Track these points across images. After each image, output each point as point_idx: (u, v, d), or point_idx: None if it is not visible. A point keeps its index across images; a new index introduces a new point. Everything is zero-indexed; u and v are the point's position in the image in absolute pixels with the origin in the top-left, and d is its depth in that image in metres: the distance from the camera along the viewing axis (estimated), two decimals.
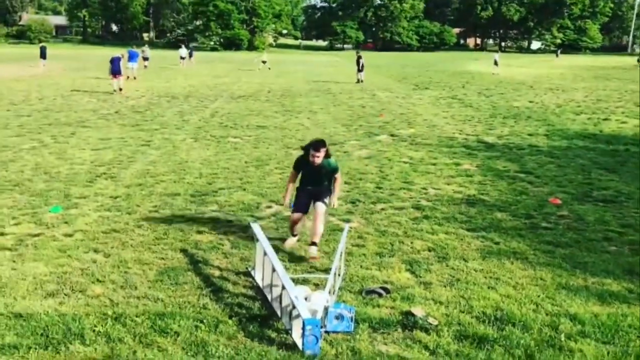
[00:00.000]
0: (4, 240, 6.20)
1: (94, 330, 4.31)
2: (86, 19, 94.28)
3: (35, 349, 4.04)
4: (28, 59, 35.17)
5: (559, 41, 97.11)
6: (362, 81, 28.67)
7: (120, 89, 21.64)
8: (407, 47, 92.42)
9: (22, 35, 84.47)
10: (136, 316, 4.53)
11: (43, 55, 34.16)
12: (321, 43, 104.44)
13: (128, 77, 25.96)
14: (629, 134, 14.22)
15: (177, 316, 4.53)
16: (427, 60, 57.23)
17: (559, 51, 72.99)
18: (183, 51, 41.07)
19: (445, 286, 5.23)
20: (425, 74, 36.85)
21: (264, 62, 39.41)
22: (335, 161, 6.36)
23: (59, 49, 65.92)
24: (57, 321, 4.41)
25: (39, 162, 10.04)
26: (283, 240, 6.34)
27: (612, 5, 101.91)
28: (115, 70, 21.74)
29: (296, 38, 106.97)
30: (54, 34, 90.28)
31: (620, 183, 9.14)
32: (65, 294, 4.92)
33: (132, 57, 27.96)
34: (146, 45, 41.71)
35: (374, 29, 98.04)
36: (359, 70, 29.02)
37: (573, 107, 19.42)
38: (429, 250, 6.12)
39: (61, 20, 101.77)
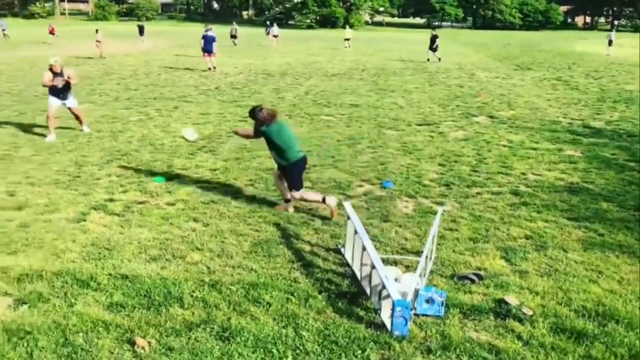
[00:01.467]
0: (113, 206, 6.65)
1: (192, 295, 4.54)
2: None
3: (139, 309, 4.32)
4: (136, 36, 37.12)
5: None
6: (439, 59, 27.72)
7: (215, 67, 21.98)
8: (509, 26, 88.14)
9: (130, 13, 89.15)
10: (231, 284, 4.72)
11: (141, 32, 36.43)
12: (418, 20, 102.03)
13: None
14: None
15: (270, 287, 4.67)
16: (530, 40, 54.39)
17: None
18: (275, 29, 40.84)
19: (542, 276, 5.01)
20: (528, 53, 35.08)
21: (347, 39, 37.53)
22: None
23: (163, 25, 69.06)
24: (158, 284, 4.69)
25: (145, 134, 10.63)
26: (374, 219, 6.33)
27: None
28: (207, 49, 22.01)
29: (393, 15, 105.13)
30: (159, 11, 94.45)
31: None
32: (166, 259, 5.21)
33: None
34: (234, 23, 41.69)
35: (474, 6, 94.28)
36: (433, 50, 28.02)
37: None
38: (526, 238, 5.88)
39: None
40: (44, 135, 10.16)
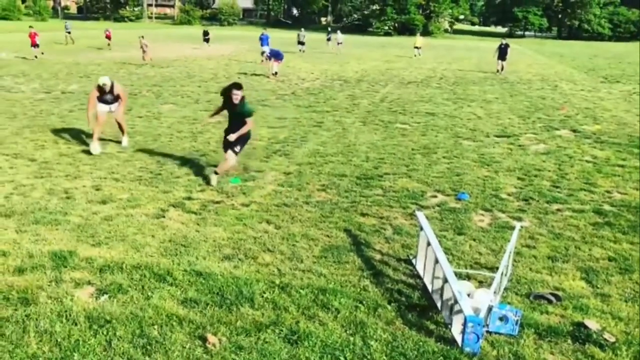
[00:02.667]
0: (191, 204, 6.88)
1: (262, 296, 4.61)
2: (270, 2, 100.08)
3: (212, 306, 4.43)
4: (217, 40, 38.39)
5: None
6: (500, 71, 25.55)
7: (276, 73, 21.64)
8: (597, 36, 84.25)
9: (214, 18, 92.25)
10: (301, 288, 4.75)
11: (206, 39, 38.10)
12: (500, 29, 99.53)
13: (262, 61, 25.81)
14: None
15: (339, 294, 4.67)
16: (620, 51, 51.69)
17: None
18: (340, 36, 39.76)
19: (626, 301, 4.73)
20: (617, 65, 33.35)
21: (417, 47, 35.79)
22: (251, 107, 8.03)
23: (244, 30, 70.88)
24: (231, 283, 4.79)
25: (223, 136, 10.90)
26: (447, 232, 6.20)
27: None
28: (272, 54, 21.95)
29: (473, 24, 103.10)
30: (241, 16, 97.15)
31: None
32: (239, 259, 5.32)
33: (263, 42, 27.53)
34: (302, 30, 40.75)
35: (560, 15, 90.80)
36: (502, 59, 25.79)
37: None
38: (610, 260, 5.57)
39: (248, 3, 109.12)
40: (130, 134, 10.38)
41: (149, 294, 4.59)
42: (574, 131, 12.41)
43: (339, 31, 42.89)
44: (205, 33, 39.01)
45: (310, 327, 4.18)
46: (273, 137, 10.92)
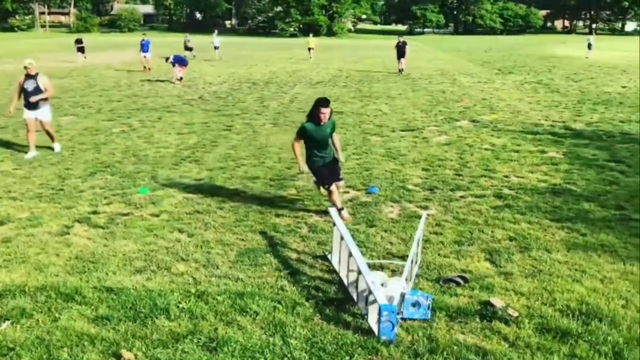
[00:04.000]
0: (97, 218, 6.61)
1: (178, 307, 4.51)
2: (171, 7, 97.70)
3: (125, 321, 4.29)
4: (119, 47, 37.00)
5: None
6: (402, 70, 24.90)
7: (181, 78, 21.03)
8: (490, 31, 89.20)
9: (113, 24, 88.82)
10: (217, 295, 4.70)
11: (79, 47, 30.49)
12: (401, 27, 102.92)
13: (145, 67, 25.64)
14: None
15: (256, 296, 4.66)
16: (511, 44, 55.03)
17: None
18: (217, 39, 35.30)
19: (526, 277, 5.06)
20: (509, 58, 35.49)
21: (310, 49, 33.60)
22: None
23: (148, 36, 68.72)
24: (144, 296, 4.66)
25: (129, 145, 10.57)
26: (360, 225, 6.35)
27: None
28: (175, 60, 21.21)
29: (375, 23, 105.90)
30: (142, 22, 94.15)
31: None
32: (151, 271, 5.18)
33: (144, 47, 26.59)
34: (188, 35, 37.04)
35: (455, 12, 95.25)
36: (400, 57, 25.15)
37: None
38: (510, 240, 5.94)
39: (149, 9, 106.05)
40: (25, 149, 9.97)
41: (57, 315, 4.37)
42: (473, 121, 13.09)
43: (215, 31, 39.26)
44: (78, 41, 31.16)
45: (229, 332, 4.14)
46: (181, 143, 10.69)
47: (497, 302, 4.55)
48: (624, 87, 19.72)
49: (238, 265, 5.32)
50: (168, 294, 4.70)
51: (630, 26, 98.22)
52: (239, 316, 4.37)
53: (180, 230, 6.22)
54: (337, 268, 5.18)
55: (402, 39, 25.88)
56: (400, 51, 25.28)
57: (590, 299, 4.61)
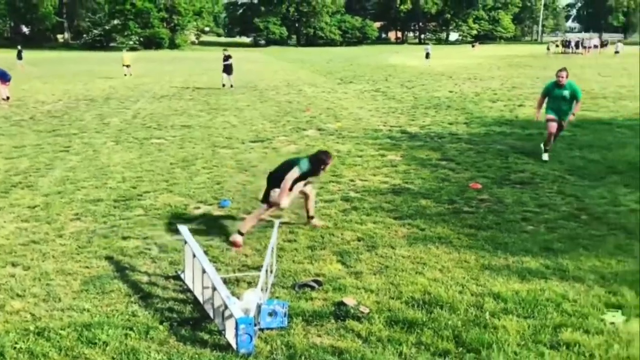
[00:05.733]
0: None
1: (14, 347, 4.10)
2: None
3: None
4: None
5: (475, 32, 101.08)
6: (232, 86, 23.69)
7: (8, 98, 19.23)
8: (331, 42, 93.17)
9: None
10: (61, 329, 4.35)
11: None
12: (245, 39, 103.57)
13: None
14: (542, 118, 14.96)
15: (105, 325, 4.39)
16: (350, 55, 57.94)
17: (476, 43, 75.54)
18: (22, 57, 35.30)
19: (375, 274, 5.34)
20: (349, 68, 37.31)
21: (126, 66, 31.42)
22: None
23: None
24: None
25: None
26: (213, 240, 6.26)
27: None
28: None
29: (219, 35, 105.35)
30: None
31: (535, 165, 9.64)
32: None
33: None
34: (19, 47, 36.69)
35: (297, 24, 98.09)
36: (227, 72, 23.88)
37: (490, 95, 20.24)
38: (359, 240, 6.23)
39: None
40: None
41: None
42: (319, 130, 13.56)
43: (19, 47, 38.10)
44: None
45: None
46: (11, 168, 9.75)
47: (350, 301, 4.75)
48: (450, 91, 21.67)
49: (83, 295, 4.97)
50: (2, 335, 4.25)
51: (453, 36, 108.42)
52: (87, 349, 4.09)
53: (14, 264, 5.66)
54: (191, 287, 5.06)
55: (227, 52, 24.55)
56: (226, 66, 23.88)
57: (432, 289, 4.99)
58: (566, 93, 9.81)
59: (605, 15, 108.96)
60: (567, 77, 9.77)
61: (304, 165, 6.25)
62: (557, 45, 62.35)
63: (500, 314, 4.52)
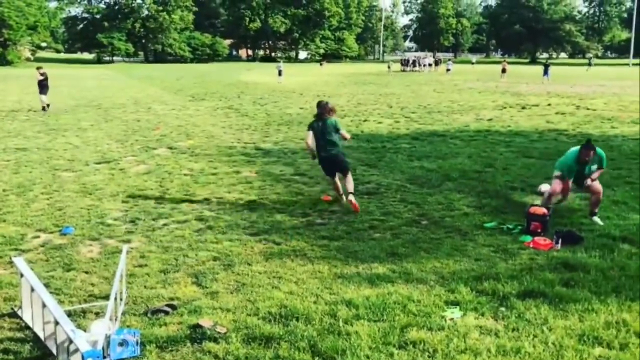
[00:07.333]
0: None
1: None
2: None
3: None
4: None
5: (322, 51, 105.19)
6: (48, 105, 20.93)
7: None
8: (180, 59, 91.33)
9: None
10: None
11: None
12: (87, 56, 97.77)
13: None
14: (384, 132, 15.98)
15: None
16: (201, 72, 57.22)
17: (323, 62, 78.48)
18: None
19: (231, 293, 5.31)
20: (200, 85, 36.83)
21: None
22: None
23: None
24: None
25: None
26: (55, 271, 5.81)
27: (363, 18, 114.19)
28: None
29: (58, 51, 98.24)
30: None
31: (380, 176, 10.25)
32: None
33: None
34: None
35: (144, 40, 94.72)
36: (44, 92, 21.07)
37: (338, 111, 21.07)
38: (215, 260, 6.15)
39: None
40: None
41: None
42: (170, 148, 13.21)
43: None
44: None
45: None
46: None
47: (206, 322, 4.67)
48: (301, 108, 22.29)
49: None
50: None
51: (302, 54, 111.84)
52: None
53: None
54: (30, 323, 4.64)
55: (42, 70, 21.80)
56: (42, 85, 21.06)
57: (288, 302, 5.07)
58: (594, 167, 7.48)
59: (437, 36, 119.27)
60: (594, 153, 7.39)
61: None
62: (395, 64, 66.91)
63: (353, 320, 4.72)
